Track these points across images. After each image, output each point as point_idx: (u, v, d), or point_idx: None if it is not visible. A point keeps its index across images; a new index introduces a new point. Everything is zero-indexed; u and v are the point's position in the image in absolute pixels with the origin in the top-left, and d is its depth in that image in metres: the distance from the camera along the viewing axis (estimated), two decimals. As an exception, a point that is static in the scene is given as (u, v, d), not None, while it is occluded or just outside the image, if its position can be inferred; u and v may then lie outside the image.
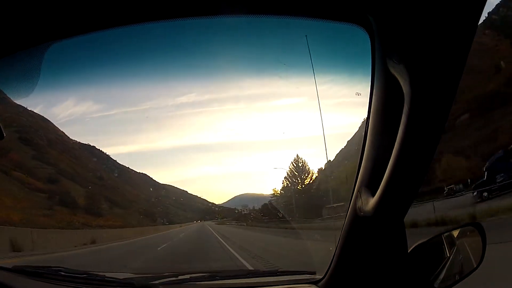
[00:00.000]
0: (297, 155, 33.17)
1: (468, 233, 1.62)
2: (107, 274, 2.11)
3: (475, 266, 1.48)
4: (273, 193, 37.56)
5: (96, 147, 46.10)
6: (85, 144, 44.95)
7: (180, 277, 2.10)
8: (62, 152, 40.38)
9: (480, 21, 0.80)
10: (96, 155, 44.63)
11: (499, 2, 33.99)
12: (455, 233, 1.63)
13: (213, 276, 2.17)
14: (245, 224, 37.12)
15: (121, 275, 2.20)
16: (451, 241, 1.59)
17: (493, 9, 33.95)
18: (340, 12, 1.02)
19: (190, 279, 2.09)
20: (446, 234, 1.62)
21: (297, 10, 1.05)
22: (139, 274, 2.36)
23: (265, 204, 36.99)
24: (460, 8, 0.77)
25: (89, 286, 1.86)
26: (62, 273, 2.00)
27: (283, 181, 34.15)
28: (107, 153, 45.58)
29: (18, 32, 1.14)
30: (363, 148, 1.25)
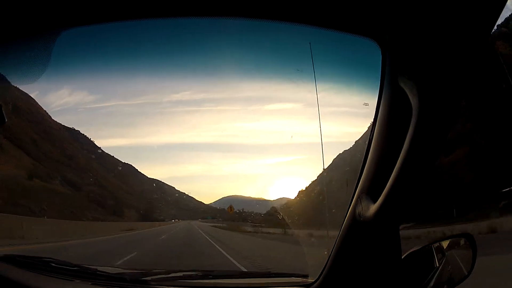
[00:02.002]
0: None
1: (458, 243, 1.66)
2: (99, 268, 2.09)
3: (465, 274, 1.52)
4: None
5: (81, 131, 45.12)
6: (70, 127, 43.92)
7: (172, 274, 2.10)
8: (28, 122, 38.24)
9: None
10: (80, 140, 43.47)
11: (508, 15, 35.65)
12: (445, 243, 1.66)
13: (206, 274, 2.17)
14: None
15: (112, 270, 2.20)
16: (441, 252, 1.63)
17: (502, 22, 35.44)
18: (356, 26, 1.07)
19: (183, 277, 2.09)
20: (436, 244, 1.66)
21: (313, 20, 1.09)
22: (130, 270, 2.35)
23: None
24: (469, 35, 0.85)
25: (80, 279, 1.85)
26: (53, 264, 1.98)
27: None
28: (91, 139, 44.48)
29: (21, 19, 1.16)
30: (366, 155, 1.29)
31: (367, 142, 1.27)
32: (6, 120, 1.55)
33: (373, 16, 1.00)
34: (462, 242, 1.64)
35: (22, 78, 1.58)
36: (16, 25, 1.20)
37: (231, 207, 30.34)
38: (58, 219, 22.52)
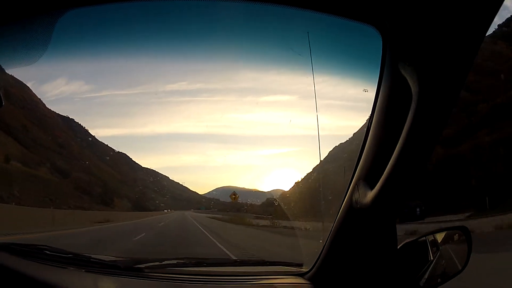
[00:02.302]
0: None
1: (453, 236, 1.66)
2: (93, 256, 2.09)
3: (459, 269, 1.52)
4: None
5: (75, 120, 44.81)
6: (64, 116, 43.58)
7: (165, 262, 2.10)
8: (21, 109, 37.60)
9: (491, 32, 0.87)
10: (74, 129, 43.14)
11: (509, 16, 35.92)
12: (440, 236, 1.67)
13: (200, 262, 2.18)
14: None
15: (106, 258, 2.19)
16: (435, 245, 1.63)
17: (503, 22, 35.82)
18: (356, 12, 1.06)
19: (177, 264, 2.10)
20: (430, 237, 1.66)
21: (312, 4, 1.07)
22: (124, 257, 2.35)
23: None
24: (470, 21, 0.84)
25: (74, 267, 1.85)
26: (47, 252, 1.97)
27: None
28: (85, 128, 44.18)
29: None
30: (364, 142, 1.29)
31: (365, 129, 1.27)
32: (3, 103, 1.53)
33: (374, 1, 0.98)
34: (457, 235, 1.64)
35: (19, 61, 1.56)
36: (12, 6, 1.17)
37: (234, 194, 25.43)
38: (19, 206, 20.36)
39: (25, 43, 1.41)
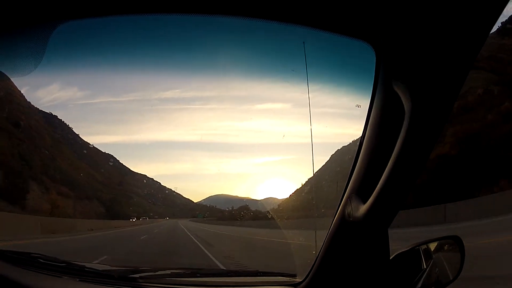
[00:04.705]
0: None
1: (446, 246, 1.68)
2: (87, 265, 2.07)
3: (451, 278, 1.54)
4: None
5: (58, 117, 43.47)
6: (47, 112, 42.01)
7: (160, 272, 2.10)
8: None
9: (494, 30, 0.89)
10: (55, 125, 41.59)
11: None
12: (433, 245, 1.68)
13: (194, 272, 2.17)
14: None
15: (100, 267, 2.18)
16: (428, 254, 1.65)
17: (506, 20, 35.96)
18: (352, 29, 1.08)
19: (171, 274, 2.09)
20: (423, 246, 1.67)
21: (307, 21, 1.09)
22: (117, 267, 2.34)
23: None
24: (463, 42, 0.86)
25: (68, 276, 1.83)
26: (41, 260, 1.96)
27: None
28: (69, 126, 42.94)
29: (13, 10, 1.14)
30: (356, 157, 1.30)
31: (358, 143, 1.29)
32: None
33: (369, 19, 1.00)
34: (450, 244, 1.66)
35: (14, 71, 1.56)
36: (9, 18, 1.18)
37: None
38: None
39: (21, 54, 1.42)
